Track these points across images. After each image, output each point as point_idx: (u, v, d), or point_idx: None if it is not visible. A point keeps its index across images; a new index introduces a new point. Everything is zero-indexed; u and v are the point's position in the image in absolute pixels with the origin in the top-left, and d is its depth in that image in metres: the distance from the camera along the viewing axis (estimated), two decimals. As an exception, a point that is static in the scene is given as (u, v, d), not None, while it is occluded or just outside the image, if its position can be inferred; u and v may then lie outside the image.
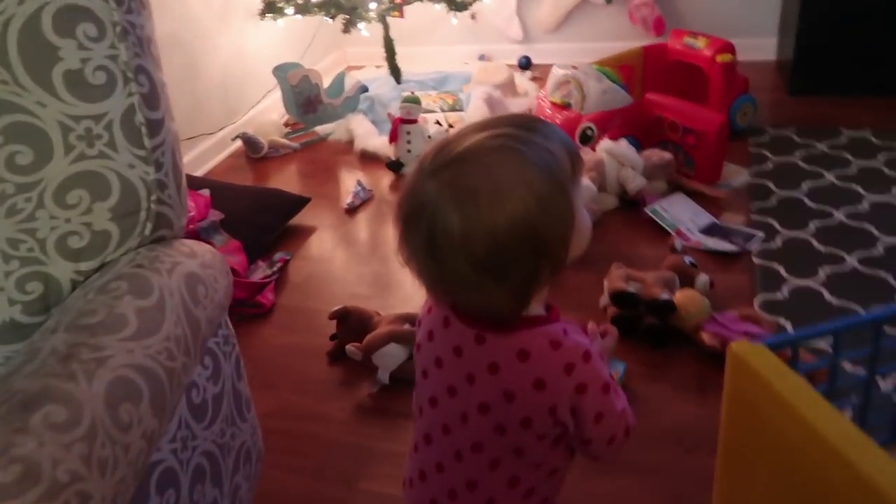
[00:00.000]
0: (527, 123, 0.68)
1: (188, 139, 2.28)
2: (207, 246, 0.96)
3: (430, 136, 2.30)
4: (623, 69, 2.40)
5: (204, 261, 0.89)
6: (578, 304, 1.69)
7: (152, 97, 0.85)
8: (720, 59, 2.24)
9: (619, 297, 1.55)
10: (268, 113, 2.75)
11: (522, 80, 3.03)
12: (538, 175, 0.64)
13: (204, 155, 2.42)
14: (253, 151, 2.45)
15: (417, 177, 0.67)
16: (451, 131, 2.33)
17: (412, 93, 2.42)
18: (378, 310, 1.65)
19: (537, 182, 0.63)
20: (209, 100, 2.47)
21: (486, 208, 0.62)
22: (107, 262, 0.82)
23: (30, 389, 0.61)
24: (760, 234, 1.86)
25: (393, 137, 2.33)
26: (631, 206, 2.05)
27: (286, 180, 2.39)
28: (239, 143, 2.47)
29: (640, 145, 2.16)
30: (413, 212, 0.66)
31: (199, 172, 2.37)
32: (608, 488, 1.22)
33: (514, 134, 0.66)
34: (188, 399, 0.86)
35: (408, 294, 1.78)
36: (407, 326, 1.52)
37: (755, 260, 1.77)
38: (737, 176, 2.14)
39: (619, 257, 1.78)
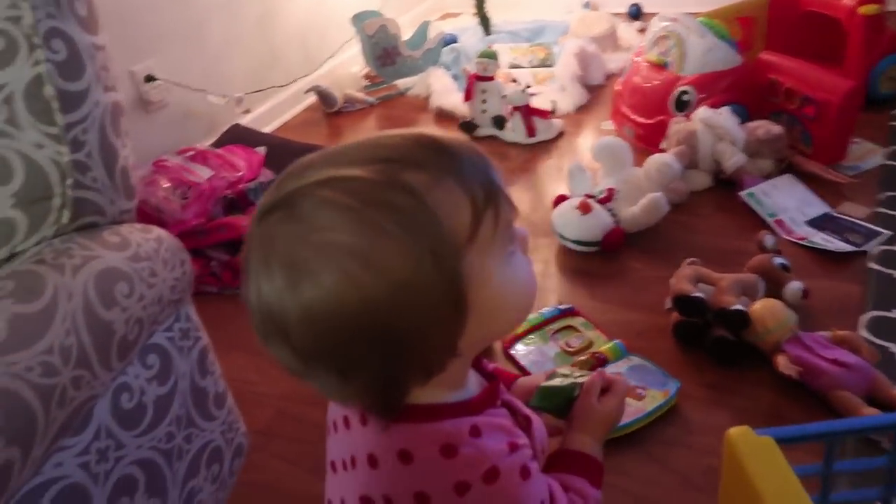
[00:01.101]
0: (413, 158, 0.47)
1: (258, 91, 2.21)
2: (158, 232, 0.86)
3: (504, 96, 2.09)
4: (742, 22, 2.04)
5: (136, 253, 0.79)
6: (640, 302, 1.46)
7: (71, 65, 0.73)
8: (863, 10, 1.84)
9: (681, 302, 1.31)
10: (349, 65, 2.63)
11: (628, 31, 2.71)
12: (389, 248, 0.45)
13: (277, 108, 2.35)
14: (327, 106, 2.36)
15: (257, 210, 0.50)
16: (530, 89, 2.12)
17: (490, 46, 2.20)
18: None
19: (387, 258, 0.45)
20: (286, 50, 2.38)
21: (294, 284, 0.46)
22: (17, 252, 0.73)
23: None
24: (887, 232, 1.51)
25: (468, 96, 2.14)
26: (726, 186, 1.75)
27: (357, 137, 2.28)
28: (313, 96, 2.38)
29: (746, 115, 1.83)
30: (244, 256, 0.50)
31: (270, 127, 2.31)
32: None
33: (371, 182, 0.46)
34: (114, 405, 0.77)
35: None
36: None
37: (872, 265, 1.45)
38: (868, 156, 1.77)
39: (698, 249, 1.53)
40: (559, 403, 0.71)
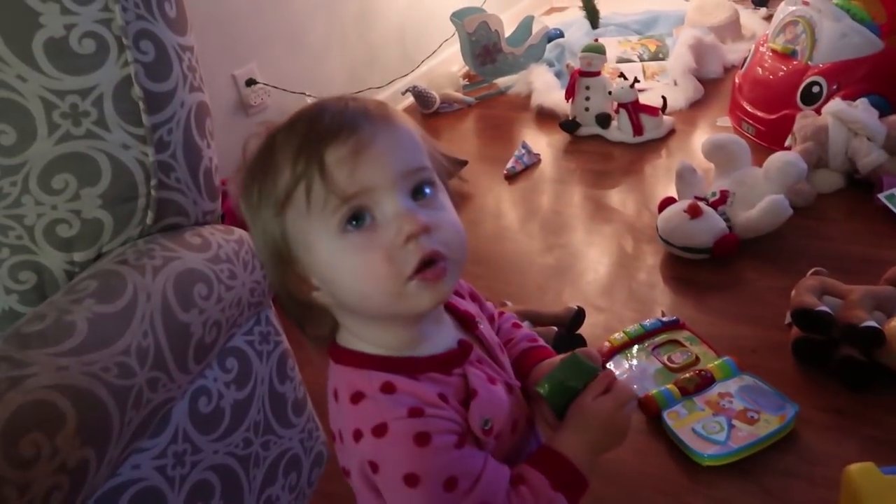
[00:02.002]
0: (295, 117, 0.58)
1: (355, 93, 2.22)
2: (239, 233, 0.85)
3: (610, 93, 1.98)
4: (886, 3, 1.83)
5: (216, 254, 0.78)
6: (755, 315, 1.33)
7: (158, 66, 0.74)
8: None
9: (802, 316, 1.17)
10: (447, 64, 2.60)
11: (753, 19, 2.51)
12: (241, 182, 0.58)
13: (376, 109, 2.36)
14: (424, 106, 2.34)
15: None
16: (639, 84, 2.00)
17: (596, 40, 2.10)
18: (507, 299, 1.46)
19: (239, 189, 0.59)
20: (384, 50, 2.39)
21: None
22: (103, 252, 0.75)
23: (-80, 413, 0.54)
24: None
25: (570, 93, 2.05)
26: (860, 188, 1.57)
27: (454, 138, 2.25)
28: (410, 97, 2.37)
29: (887, 107, 1.64)
30: None
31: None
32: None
33: (266, 133, 0.58)
34: (192, 409, 0.77)
35: (543, 285, 1.55)
36: (525, 325, 1.31)
37: None
38: None
39: (825, 258, 1.38)
40: (560, 401, 0.62)
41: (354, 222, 0.52)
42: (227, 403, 0.82)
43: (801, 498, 1.00)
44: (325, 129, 0.52)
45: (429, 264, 0.52)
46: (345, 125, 0.52)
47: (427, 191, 0.55)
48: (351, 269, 0.53)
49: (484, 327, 0.65)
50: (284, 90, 1.97)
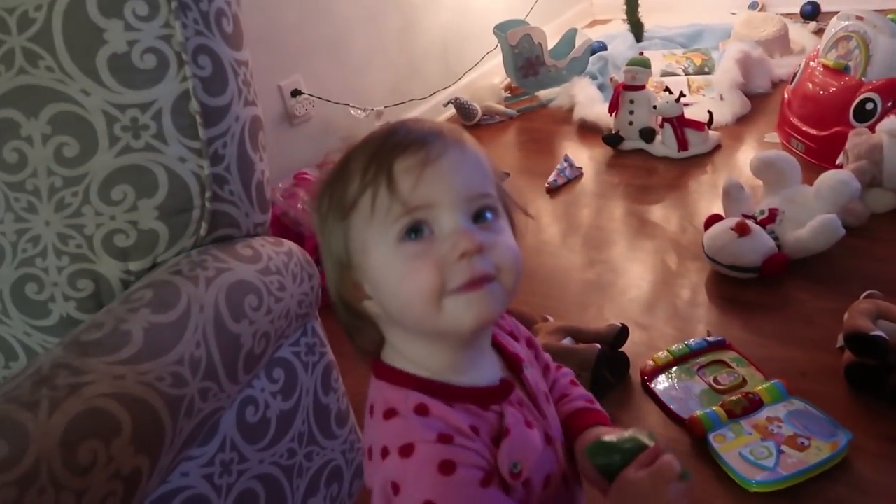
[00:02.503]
0: (371, 132, 0.59)
1: (397, 105, 2.24)
2: (289, 245, 0.86)
3: (655, 107, 1.96)
4: (942, 18, 1.78)
5: (267, 266, 0.79)
6: (805, 338, 1.29)
7: (214, 81, 0.75)
8: None
9: (857, 341, 1.14)
10: (490, 76, 2.61)
11: (802, 33, 2.47)
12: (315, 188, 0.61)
13: (418, 120, 2.37)
14: (466, 118, 2.34)
15: None
16: (684, 99, 1.97)
17: (641, 53, 2.08)
18: (547, 313, 1.45)
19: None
20: (426, 62, 2.40)
21: None
22: (158, 262, 0.76)
23: (-16, 416, 0.56)
24: None
25: (613, 106, 2.04)
26: (917, 208, 1.52)
27: (495, 151, 2.25)
28: (451, 109, 2.38)
29: (945, 125, 1.59)
30: None
31: (410, 139, 2.33)
32: None
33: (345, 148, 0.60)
34: (240, 418, 0.78)
35: (584, 301, 1.53)
36: (566, 341, 1.30)
37: None
38: None
39: (879, 281, 1.33)
40: (609, 465, 0.59)
41: (413, 234, 0.53)
42: (274, 413, 0.83)
43: (854, 529, 0.97)
44: (397, 141, 0.54)
45: (475, 284, 0.52)
46: (416, 139, 0.54)
47: (488, 216, 0.55)
48: (399, 275, 0.53)
49: (531, 373, 0.63)
50: (328, 101, 1.99)
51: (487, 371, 0.60)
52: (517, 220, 0.60)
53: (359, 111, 2.06)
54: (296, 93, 1.93)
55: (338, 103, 2.02)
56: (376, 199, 0.53)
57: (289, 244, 0.86)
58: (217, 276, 0.73)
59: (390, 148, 0.54)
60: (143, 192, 0.73)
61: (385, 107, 2.16)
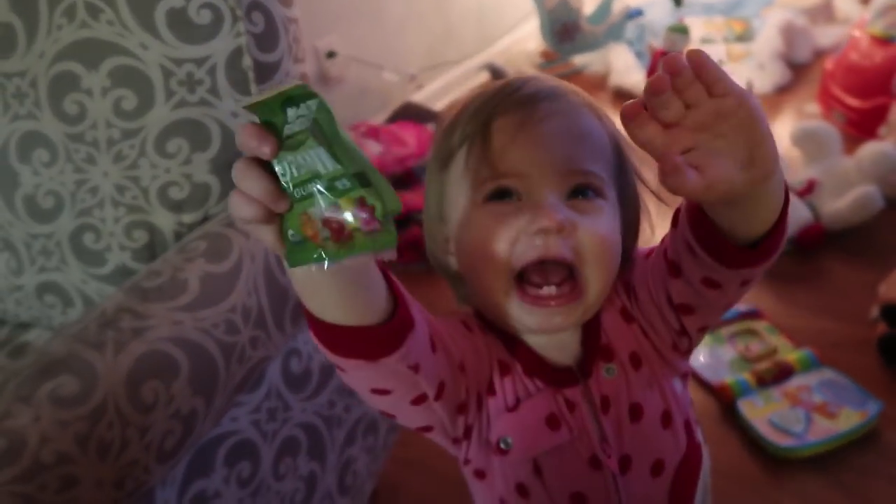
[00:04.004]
0: (486, 86, 0.55)
1: (431, 68, 2.23)
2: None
3: (693, 74, 1.93)
4: None
5: (314, 221, 0.81)
6: (838, 309, 1.29)
7: (267, 37, 0.76)
8: None
9: (893, 312, 1.13)
10: (525, 41, 2.57)
11: (847, 2, 2.39)
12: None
13: (449, 85, 2.35)
14: (499, 83, 2.33)
15: None
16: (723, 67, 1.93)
17: (680, 20, 2.04)
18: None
19: None
20: (462, 26, 2.38)
21: None
22: (210, 214, 0.78)
23: (55, 354, 0.59)
24: None
25: (652, 72, 2.00)
26: (960, 182, 1.50)
27: (530, 116, 2.23)
28: (486, 73, 2.36)
29: None
30: None
31: (442, 104, 2.31)
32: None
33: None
34: (285, 368, 0.81)
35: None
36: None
37: None
38: None
39: (918, 254, 1.32)
40: (272, 121, 0.35)
41: (500, 197, 0.49)
42: (316, 366, 0.86)
43: (881, 497, 0.98)
44: (506, 95, 0.50)
45: (552, 287, 0.48)
46: (525, 97, 0.50)
47: (588, 193, 0.49)
48: (476, 237, 0.50)
49: (611, 379, 0.53)
50: (363, 62, 1.99)
51: (559, 353, 0.53)
52: (644, 208, 0.54)
53: (392, 75, 2.06)
54: (331, 54, 1.93)
55: (373, 65, 2.01)
56: (470, 155, 0.50)
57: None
58: (267, 229, 0.76)
59: (497, 102, 0.50)
60: (197, 146, 0.75)
61: (419, 70, 2.15)
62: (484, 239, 0.49)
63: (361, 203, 0.34)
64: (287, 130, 0.34)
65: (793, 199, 1.44)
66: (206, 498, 0.71)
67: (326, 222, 0.34)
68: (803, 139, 1.53)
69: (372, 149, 1.72)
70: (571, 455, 0.52)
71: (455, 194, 0.52)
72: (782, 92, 2.06)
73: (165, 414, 0.61)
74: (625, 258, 0.52)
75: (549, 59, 2.46)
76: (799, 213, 1.42)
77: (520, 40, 2.58)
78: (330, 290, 0.39)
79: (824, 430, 1.06)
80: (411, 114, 1.98)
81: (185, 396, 0.63)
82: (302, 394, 0.84)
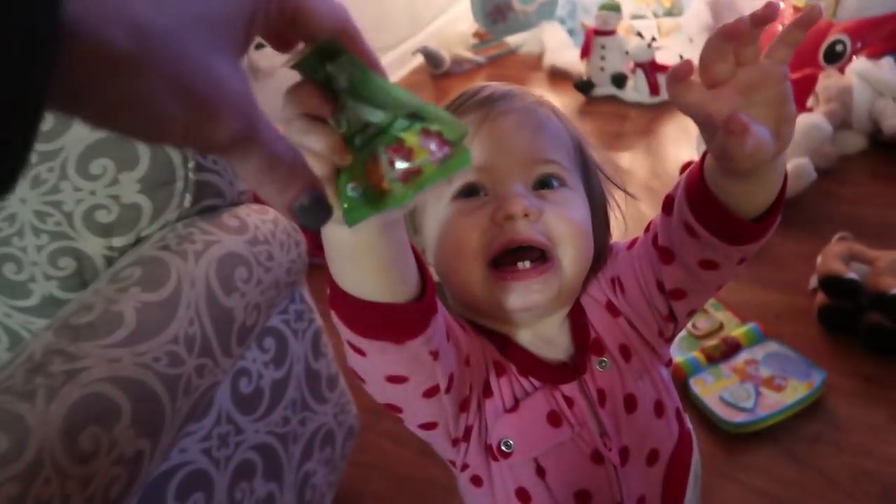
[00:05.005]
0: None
1: (366, 54, 2.18)
2: (274, 213, 0.84)
3: (627, 52, 1.94)
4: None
5: (254, 236, 0.77)
6: (779, 281, 1.33)
7: (190, 45, 0.71)
8: None
9: (830, 283, 1.17)
10: (457, 23, 2.55)
11: (769, -27, 2.45)
12: None
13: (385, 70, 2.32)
14: (434, 67, 2.29)
15: None
16: (655, 43, 1.96)
17: (613, -3, 2.05)
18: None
19: None
20: (393, 10, 2.33)
21: None
22: (142, 236, 0.74)
23: (-21, 409, 0.54)
24: None
25: (585, 52, 2.01)
26: (885, 150, 1.56)
27: (467, 99, 2.22)
28: (420, 57, 2.33)
29: (912, 66, 1.61)
30: None
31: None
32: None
33: None
34: (234, 390, 0.77)
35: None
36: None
37: None
38: None
39: (850, 223, 1.37)
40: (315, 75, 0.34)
41: (468, 194, 0.50)
42: (266, 383, 0.82)
43: (829, 464, 1.02)
44: (467, 98, 0.52)
45: (527, 262, 0.48)
46: (485, 98, 0.52)
47: (553, 183, 0.51)
48: (445, 236, 0.51)
49: (605, 374, 0.53)
50: (294, 51, 1.93)
51: (550, 349, 0.53)
52: (610, 200, 0.56)
53: (325, 63, 2.00)
54: (259, 45, 1.85)
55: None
56: None
57: (273, 212, 0.84)
58: (206, 249, 0.71)
59: (456, 107, 0.52)
60: (124, 165, 0.70)
61: (352, 57, 2.10)
62: (456, 234, 0.50)
63: (426, 134, 0.32)
64: (333, 85, 0.32)
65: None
66: (158, 539, 0.67)
67: (392, 163, 0.32)
68: (737, 114, 1.56)
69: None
70: (573, 452, 0.52)
71: (424, 200, 0.52)
72: (713, 65, 2.10)
73: (108, 461, 0.57)
74: (600, 250, 0.53)
75: (482, 40, 2.44)
76: (737, 188, 1.44)
77: (452, 21, 2.55)
78: (371, 259, 0.38)
79: (773, 403, 1.09)
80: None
81: (128, 439, 0.59)
82: (254, 415, 0.80)
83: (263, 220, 0.81)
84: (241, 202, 0.83)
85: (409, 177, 0.32)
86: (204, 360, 0.68)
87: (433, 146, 0.32)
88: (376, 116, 0.32)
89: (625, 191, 0.57)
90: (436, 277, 0.53)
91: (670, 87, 0.40)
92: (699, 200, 0.45)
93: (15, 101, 0.20)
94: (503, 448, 0.51)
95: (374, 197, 0.32)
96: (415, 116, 0.32)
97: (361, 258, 0.38)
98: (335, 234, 0.37)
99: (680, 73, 0.39)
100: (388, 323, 0.40)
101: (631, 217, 1.75)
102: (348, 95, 0.32)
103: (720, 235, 0.45)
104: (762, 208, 0.45)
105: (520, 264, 0.49)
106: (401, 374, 0.44)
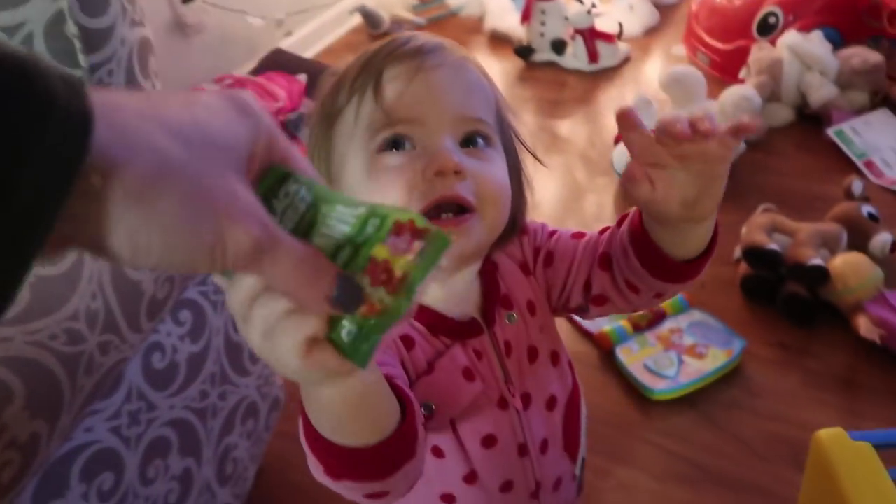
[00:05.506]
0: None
1: (300, 12, 2.10)
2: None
3: (567, 18, 1.93)
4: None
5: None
6: (706, 250, 1.35)
7: (92, -1, 0.66)
8: None
9: (753, 254, 1.20)
10: (398, -19, 2.48)
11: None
12: None
13: (320, 30, 2.23)
14: (373, 27, 2.23)
15: None
16: (595, 9, 1.95)
17: (553, -39, 2.02)
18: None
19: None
20: (332, -35, 2.25)
21: None
22: (40, 205, 0.69)
23: None
24: None
25: (525, 17, 1.99)
26: (811, 122, 1.59)
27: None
28: (359, 17, 2.25)
29: (840, 41, 1.64)
30: None
31: (312, 51, 2.20)
32: (692, 501, 0.98)
33: None
34: (145, 366, 0.74)
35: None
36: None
37: (973, 216, 1.31)
38: (977, 90, 1.58)
39: (775, 194, 1.40)
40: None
41: (394, 148, 0.49)
42: (182, 358, 0.80)
43: (745, 428, 1.06)
44: (393, 48, 0.50)
45: (450, 212, 0.48)
46: (414, 48, 0.50)
47: (479, 141, 0.50)
48: (369, 189, 0.49)
49: (513, 326, 0.55)
50: (224, 8, 1.84)
51: (459, 304, 0.54)
52: (523, 164, 0.56)
53: (257, 19, 1.92)
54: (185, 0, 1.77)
55: (235, 11, 1.87)
56: (361, 107, 0.49)
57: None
58: (109, 219, 0.68)
59: (384, 55, 0.50)
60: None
61: (287, 15, 2.02)
62: (383, 190, 0.48)
63: (394, 234, 0.30)
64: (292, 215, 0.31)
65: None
66: (63, 521, 0.65)
67: (374, 284, 0.30)
68: (671, 84, 1.57)
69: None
70: (483, 401, 0.54)
71: (345, 151, 0.51)
72: (651, 34, 2.11)
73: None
74: (515, 212, 0.54)
75: (422, 2, 2.38)
76: (669, 159, 1.46)
77: (393, -20, 2.47)
78: (369, 406, 0.37)
79: (695, 370, 1.12)
80: (281, 63, 1.86)
81: (21, 422, 0.56)
82: (168, 390, 0.78)
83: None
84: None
85: (397, 285, 0.30)
86: (108, 336, 0.65)
87: (403, 244, 0.30)
88: (342, 229, 0.30)
89: (534, 156, 0.57)
90: None
91: (622, 125, 0.45)
92: (637, 231, 0.51)
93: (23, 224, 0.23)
94: (424, 412, 0.51)
95: (371, 323, 0.30)
96: (374, 214, 0.30)
97: (360, 409, 0.36)
98: (322, 395, 0.35)
99: (630, 115, 0.45)
100: (382, 460, 0.39)
101: (567, 185, 1.77)
102: (313, 212, 0.31)
103: (643, 263, 0.51)
104: (689, 257, 0.50)
105: (444, 215, 0.48)
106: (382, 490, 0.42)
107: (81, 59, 0.66)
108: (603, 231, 0.56)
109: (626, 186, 0.46)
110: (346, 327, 0.30)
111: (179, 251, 0.26)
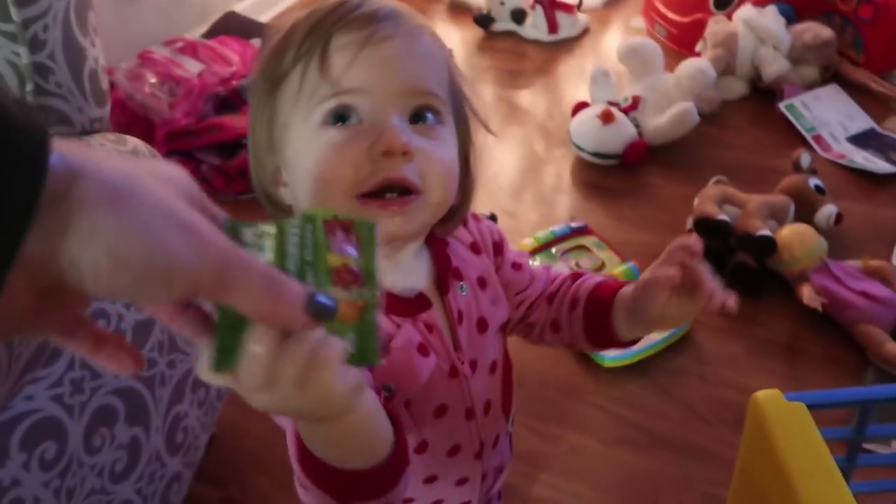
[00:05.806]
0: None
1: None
2: (134, 143, 0.78)
3: (527, -14, 1.91)
4: None
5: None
6: (659, 222, 1.38)
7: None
8: None
9: (703, 225, 1.23)
10: (357, -55, 2.42)
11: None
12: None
13: (275, -6, 2.18)
14: (331, -8, 2.18)
15: None
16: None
17: (514, -72, 1.99)
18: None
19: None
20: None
21: None
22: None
23: None
24: (932, 152, 1.41)
25: (487, -15, 1.96)
26: (763, 96, 1.62)
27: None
28: (316, -19, 2.20)
29: (794, 16, 1.67)
30: None
31: (267, 15, 2.14)
32: (638, 464, 1.01)
33: None
34: (90, 333, 0.72)
35: (462, 183, 1.54)
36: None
37: (913, 190, 1.35)
38: (921, 67, 1.62)
39: (727, 166, 1.43)
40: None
41: (339, 120, 0.47)
42: (128, 325, 0.78)
43: (693, 394, 1.09)
44: (343, 13, 0.47)
45: (394, 193, 0.47)
46: (365, 15, 0.47)
47: (429, 118, 0.48)
48: (313, 163, 0.47)
49: (464, 296, 0.56)
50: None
51: (406, 278, 0.53)
52: (475, 138, 0.55)
53: (210, -22, 1.86)
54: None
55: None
56: (306, 75, 0.47)
57: (133, 141, 0.78)
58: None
59: (334, 20, 0.47)
60: (-58, 85, 0.62)
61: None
62: (325, 164, 0.46)
63: (329, 231, 0.33)
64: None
65: (620, 116, 1.47)
66: (2, 489, 0.63)
67: (344, 283, 0.33)
68: (629, 56, 1.57)
69: (191, 67, 1.56)
70: (437, 374, 0.54)
71: (288, 118, 0.49)
72: (610, 5, 2.11)
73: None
74: (464, 188, 0.53)
75: (383, -34, 2.33)
76: (625, 130, 1.47)
77: (351, -57, 2.41)
78: (370, 421, 0.40)
79: (645, 338, 1.14)
80: (234, 27, 1.81)
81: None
82: (113, 359, 0.76)
83: (120, 151, 0.74)
84: (95, 131, 0.76)
85: (363, 278, 0.33)
86: (47, 302, 0.63)
87: (342, 242, 0.33)
88: (294, 252, 0.32)
89: (486, 127, 0.56)
90: (286, 199, 0.52)
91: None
92: (601, 305, 0.59)
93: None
94: (384, 393, 0.50)
95: (363, 320, 0.32)
96: (307, 220, 0.33)
97: (362, 429, 0.39)
98: (347, 420, 0.36)
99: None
100: (380, 483, 0.42)
101: (525, 156, 1.76)
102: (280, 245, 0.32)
103: (587, 329, 0.60)
104: (615, 339, 0.60)
105: (388, 195, 0.47)
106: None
107: (14, 12, 0.63)
108: (557, 276, 0.64)
109: (653, 284, 0.55)
110: (346, 339, 0.32)
111: (161, 268, 0.26)
